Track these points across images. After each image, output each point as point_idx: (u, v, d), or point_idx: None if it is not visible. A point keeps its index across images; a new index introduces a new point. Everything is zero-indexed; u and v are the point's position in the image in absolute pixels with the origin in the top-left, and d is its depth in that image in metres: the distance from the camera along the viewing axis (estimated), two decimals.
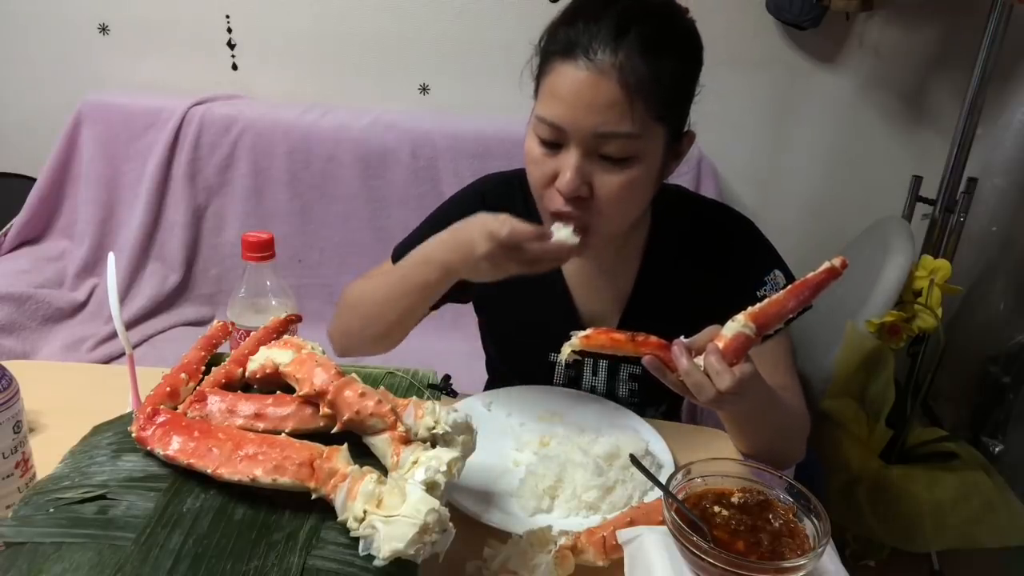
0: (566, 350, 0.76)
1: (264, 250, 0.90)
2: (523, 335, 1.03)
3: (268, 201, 1.89)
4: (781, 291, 0.72)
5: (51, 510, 0.55)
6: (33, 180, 1.93)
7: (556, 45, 0.82)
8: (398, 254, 1.02)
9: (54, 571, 0.50)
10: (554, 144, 0.83)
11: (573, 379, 1.03)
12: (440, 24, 1.91)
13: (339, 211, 1.89)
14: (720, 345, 0.72)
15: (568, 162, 0.81)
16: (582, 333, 0.74)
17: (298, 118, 1.86)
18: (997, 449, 1.73)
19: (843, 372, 1.57)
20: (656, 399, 1.06)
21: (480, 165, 1.82)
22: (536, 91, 0.86)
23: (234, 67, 2.00)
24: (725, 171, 1.92)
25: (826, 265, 0.71)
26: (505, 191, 1.03)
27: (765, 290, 0.95)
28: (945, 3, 1.80)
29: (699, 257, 0.98)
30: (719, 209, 1.03)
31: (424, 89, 1.99)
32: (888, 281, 1.51)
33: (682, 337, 0.74)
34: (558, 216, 0.85)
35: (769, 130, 1.97)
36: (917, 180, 1.78)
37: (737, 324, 0.72)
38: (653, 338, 0.74)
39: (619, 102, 0.78)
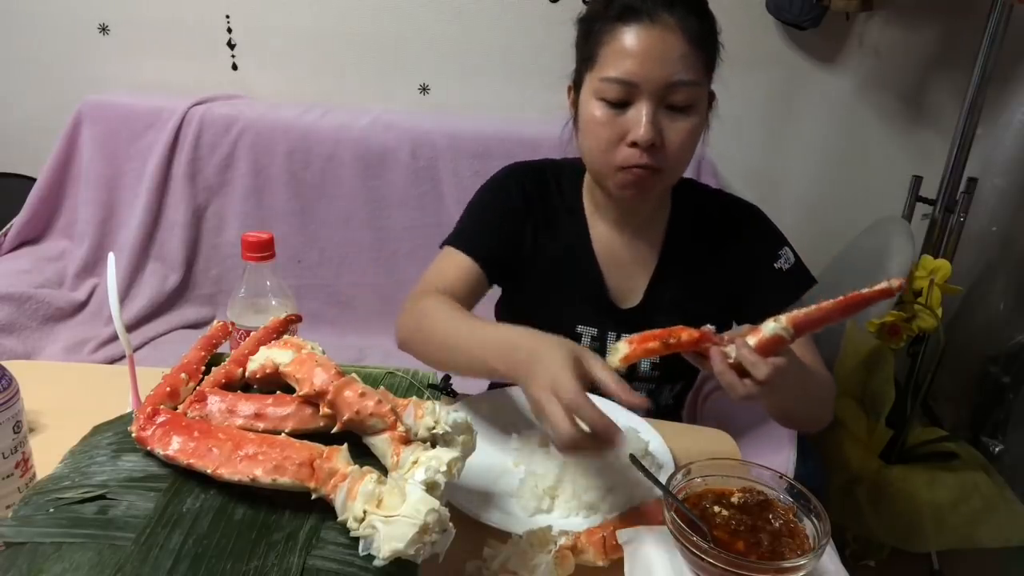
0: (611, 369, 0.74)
1: (264, 250, 0.90)
2: (553, 308, 1.08)
3: (268, 201, 1.89)
4: (830, 301, 0.71)
5: (51, 510, 0.55)
6: (33, 180, 1.93)
7: (613, 11, 0.91)
8: (452, 246, 1.05)
9: (54, 571, 0.50)
10: (621, 104, 0.91)
11: (597, 351, 1.04)
12: (440, 24, 1.91)
13: (339, 211, 1.89)
14: (753, 341, 0.73)
15: (641, 114, 0.90)
16: (620, 353, 0.74)
17: (298, 118, 1.86)
18: (997, 449, 1.73)
19: (843, 372, 1.57)
20: (676, 375, 1.11)
21: (480, 165, 1.82)
22: (591, 61, 0.94)
23: (234, 67, 2.00)
24: (725, 171, 1.92)
25: (883, 284, 0.69)
26: (540, 178, 1.10)
27: (780, 263, 1.04)
28: (945, 3, 1.80)
29: (716, 236, 1.06)
30: (728, 196, 1.13)
31: (424, 89, 1.99)
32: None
33: (710, 326, 0.75)
34: (634, 170, 0.92)
35: (769, 130, 1.97)
36: (917, 180, 1.78)
37: (778, 326, 0.72)
38: (684, 335, 0.73)
39: (685, 53, 0.89)
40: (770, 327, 0.72)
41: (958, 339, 1.80)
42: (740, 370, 0.73)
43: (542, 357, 0.73)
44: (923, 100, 1.90)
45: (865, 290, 0.70)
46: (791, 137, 1.97)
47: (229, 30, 1.96)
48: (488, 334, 0.85)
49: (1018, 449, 1.72)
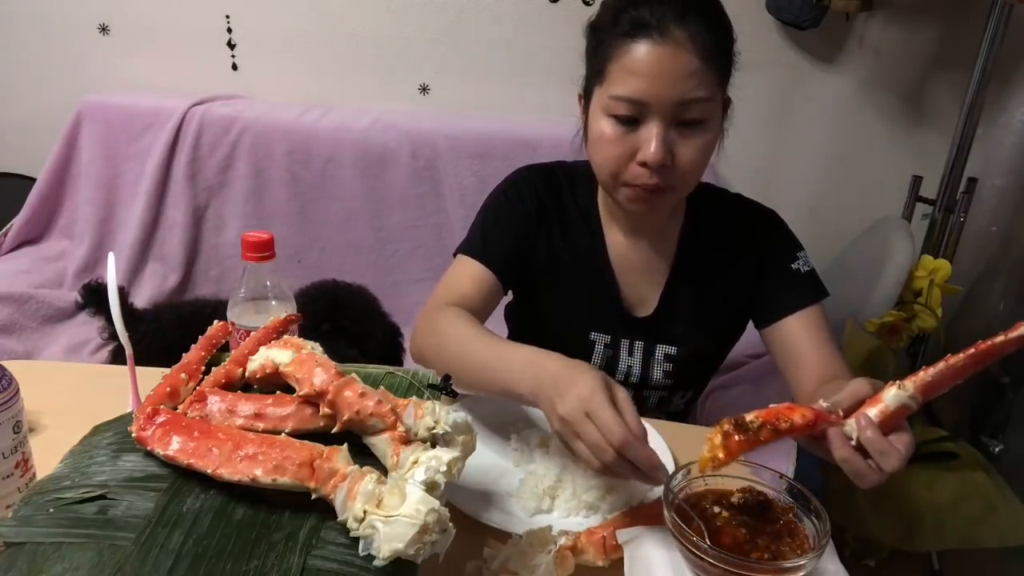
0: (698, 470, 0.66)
1: (264, 250, 0.90)
2: (566, 314, 1.07)
3: (268, 201, 1.89)
4: (959, 355, 0.62)
5: (51, 510, 0.55)
6: (33, 180, 1.94)
7: (623, 27, 0.87)
8: (465, 254, 1.03)
9: (54, 571, 0.50)
10: (631, 121, 0.88)
11: (610, 359, 1.05)
12: (440, 24, 1.92)
13: (339, 211, 1.89)
14: (874, 414, 0.65)
15: (651, 134, 0.87)
16: (716, 453, 0.63)
17: (298, 118, 1.86)
18: (997, 449, 1.73)
19: None
20: (688, 384, 1.10)
21: (480, 165, 1.82)
22: (600, 75, 0.90)
23: (234, 67, 2.00)
24: (725, 171, 1.92)
25: (1020, 331, 0.60)
26: (553, 183, 1.07)
27: (797, 264, 1.01)
28: (945, 3, 1.80)
29: (732, 243, 1.04)
30: (747, 202, 1.11)
31: (424, 89, 1.99)
32: (888, 281, 1.51)
33: (822, 402, 0.67)
34: (642, 189, 0.90)
35: (769, 130, 1.97)
36: (917, 180, 1.78)
37: (904, 394, 0.63)
38: (797, 418, 0.63)
39: (697, 70, 0.86)
40: (894, 396, 0.63)
41: (958, 339, 1.79)
42: (860, 449, 0.65)
43: (575, 380, 0.70)
44: (923, 100, 1.90)
45: (999, 339, 0.61)
46: (791, 137, 1.97)
47: (229, 30, 1.96)
48: (510, 354, 0.82)
49: (1018, 449, 1.72)
